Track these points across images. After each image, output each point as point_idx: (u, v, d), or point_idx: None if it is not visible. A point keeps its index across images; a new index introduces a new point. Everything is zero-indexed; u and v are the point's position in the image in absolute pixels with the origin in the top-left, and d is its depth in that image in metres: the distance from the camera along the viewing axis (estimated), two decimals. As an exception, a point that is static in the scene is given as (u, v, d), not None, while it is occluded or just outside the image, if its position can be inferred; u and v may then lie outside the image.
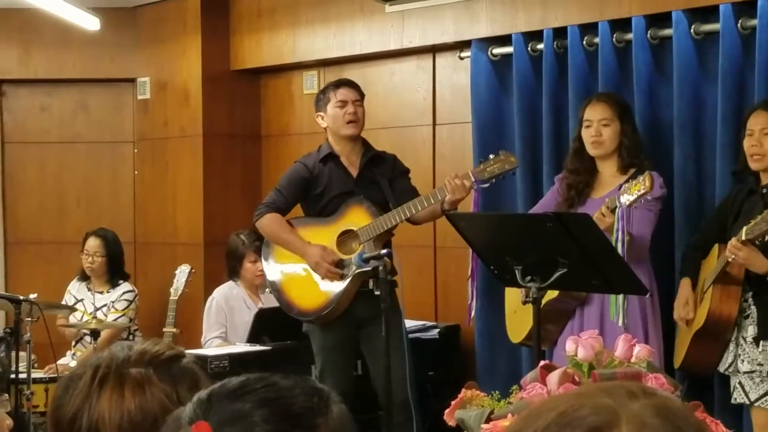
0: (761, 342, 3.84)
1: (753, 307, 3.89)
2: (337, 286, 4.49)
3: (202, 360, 4.46)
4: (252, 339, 4.95)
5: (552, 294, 4.08)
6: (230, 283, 5.44)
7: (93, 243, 5.85)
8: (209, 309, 5.36)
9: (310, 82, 6.08)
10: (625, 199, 3.87)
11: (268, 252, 4.69)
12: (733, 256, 3.76)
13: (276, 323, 4.87)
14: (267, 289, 4.98)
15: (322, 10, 5.82)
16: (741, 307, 3.91)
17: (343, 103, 4.56)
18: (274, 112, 6.32)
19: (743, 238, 3.70)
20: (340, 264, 4.47)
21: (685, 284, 4.13)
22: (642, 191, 3.84)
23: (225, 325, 5.30)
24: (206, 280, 5.93)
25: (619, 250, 3.83)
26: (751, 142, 3.95)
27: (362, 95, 4.62)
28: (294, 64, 6.09)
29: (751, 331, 3.87)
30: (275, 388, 1.22)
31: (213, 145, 6.24)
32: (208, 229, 6.18)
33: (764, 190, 3.96)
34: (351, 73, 5.57)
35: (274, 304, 4.81)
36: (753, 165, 3.97)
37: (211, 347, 5.13)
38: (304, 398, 1.22)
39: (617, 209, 3.89)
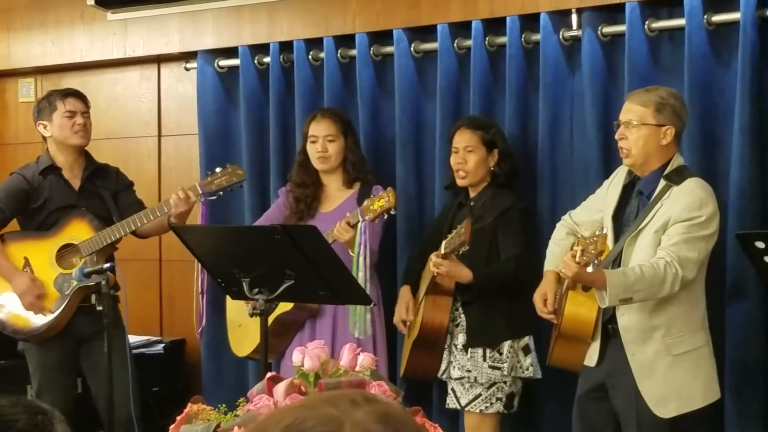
0: (470, 349, 4.03)
1: (463, 316, 4.07)
2: (55, 304, 4.32)
3: None
4: (-38, 360, 4.66)
5: (286, 306, 4.11)
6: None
7: None
8: None
9: (27, 90, 5.82)
10: (369, 213, 3.97)
11: (-22, 268, 4.44)
12: (437, 270, 3.92)
13: (-12, 343, 4.61)
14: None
15: (40, 15, 5.59)
16: (453, 316, 4.08)
17: (72, 114, 4.41)
18: (-14, 120, 6.00)
19: (442, 252, 3.87)
20: (61, 280, 4.31)
21: (404, 290, 4.29)
22: (386, 206, 3.97)
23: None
24: None
25: (362, 263, 3.93)
26: (456, 159, 4.15)
27: (89, 107, 4.50)
28: (9, 71, 5.80)
29: (461, 339, 4.05)
30: (-5, 408, 1.17)
31: None
32: None
33: (472, 203, 4.16)
34: (71, 81, 5.38)
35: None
36: (459, 182, 4.17)
37: None
38: (27, 417, 1.18)
39: (359, 224, 3.99)
